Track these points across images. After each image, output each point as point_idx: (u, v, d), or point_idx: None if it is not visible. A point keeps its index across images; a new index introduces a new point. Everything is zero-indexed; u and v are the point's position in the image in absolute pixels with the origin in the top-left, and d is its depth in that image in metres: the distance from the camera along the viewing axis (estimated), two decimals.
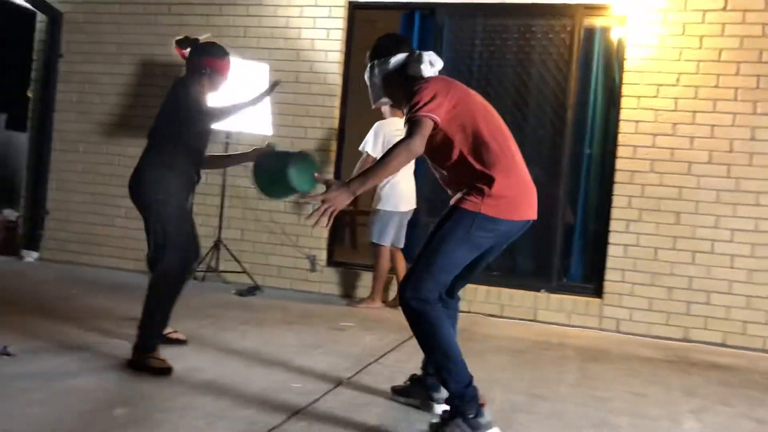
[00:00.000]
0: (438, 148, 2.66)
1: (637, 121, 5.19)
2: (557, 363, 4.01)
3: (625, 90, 5.23)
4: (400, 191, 5.24)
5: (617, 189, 5.23)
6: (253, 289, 5.53)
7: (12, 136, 12.91)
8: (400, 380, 3.27)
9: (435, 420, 2.62)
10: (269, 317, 4.67)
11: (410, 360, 3.73)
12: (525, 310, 5.39)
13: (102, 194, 6.38)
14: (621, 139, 5.23)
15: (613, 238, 5.23)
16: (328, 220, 2.45)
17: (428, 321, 2.56)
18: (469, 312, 5.44)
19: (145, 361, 3.13)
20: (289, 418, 2.63)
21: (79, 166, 6.48)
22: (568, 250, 5.60)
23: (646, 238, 5.16)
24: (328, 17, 5.86)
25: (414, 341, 2.69)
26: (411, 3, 5.91)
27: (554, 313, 5.33)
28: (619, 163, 5.23)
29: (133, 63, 6.35)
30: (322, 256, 5.89)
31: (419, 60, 2.75)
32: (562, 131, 5.47)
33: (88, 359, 3.25)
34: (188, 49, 3.57)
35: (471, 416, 2.47)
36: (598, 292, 5.32)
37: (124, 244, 6.32)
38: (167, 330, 3.50)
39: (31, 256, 6.40)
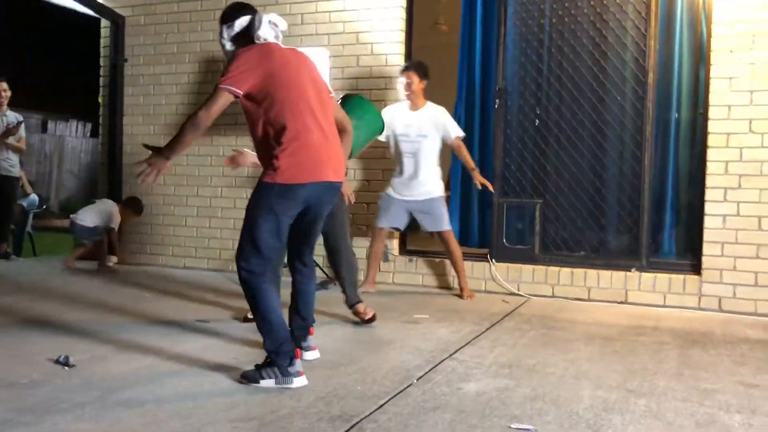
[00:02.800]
0: (249, 123, 2.88)
1: (731, 78, 4.68)
2: (653, 350, 3.63)
3: (715, 43, 4.72)
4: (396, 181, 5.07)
5: (711, 154, 4.74)
6: (326, 283, 5.38)
7: (97, 143, 13.42)
8: (477, 377, 3.02)
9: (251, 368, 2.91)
10: (340, 312, 4.49)
11: (489, 354, 3.46)
12: (614, 292, 4.99)
13: (173, 195, 6.40)
14: (713, 98, 4.73)
15: (709, 208, 4.76)
16: (154, 179, 2.85)
17: (252, 288, 2.86)
18: (553, 296, 5.10)
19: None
20: (350, 429, 2.41)
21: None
22: (660, 224, 5.14)
23: (747, 206, 4.66)
24: None
25: (492, 333, 3.12)
26: None
27: (647, 293, 4.91)
28: (712, 126, 4.73)
29: (194, 61, 6.32)
30: (394, 245, 5.67)
31: (258, 22, 2.87)
32: (644, 96, 5.00)
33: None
34: None
35: (283, 365, 2.83)
36: (695, 268, 4.86)
37: (195, 244, 6.32)
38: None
39: (111, 261, 6.49)
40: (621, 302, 4.95)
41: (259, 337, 2.96)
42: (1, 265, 6.28)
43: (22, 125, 6.67)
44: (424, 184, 5.01)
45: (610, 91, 5.14)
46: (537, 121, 5.33)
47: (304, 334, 3.28)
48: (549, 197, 5.29)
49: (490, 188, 5.20)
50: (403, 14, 5.62)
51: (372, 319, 4.10)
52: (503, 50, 5.38)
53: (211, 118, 2.79)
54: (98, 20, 6.73)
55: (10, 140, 6.50)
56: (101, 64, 6.71)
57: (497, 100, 5.39)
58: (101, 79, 6.73)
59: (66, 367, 3.04)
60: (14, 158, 6.62)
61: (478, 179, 5.12)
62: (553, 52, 5.30)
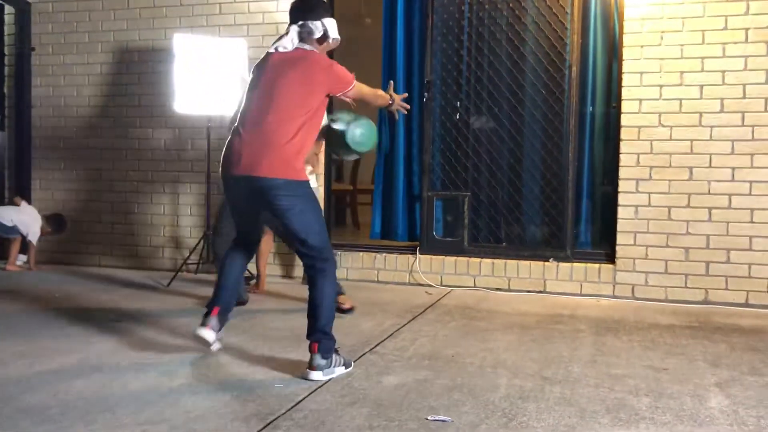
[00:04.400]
0: (306, 121, 3.05)
1: (642, 73, 4.84)
2: (569, 338, 3.72)
3: (627, 40, 4.87)
4: None
5: (624, 147, 4.89)
6: (246, 279, 5.27)
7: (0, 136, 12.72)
8: (397, 370, 3.01)
9: None
10: (265, 306, 4.41)
11: (410, 346, 3.47)
12: (534, 282, 5.10)
13: (88, 191, 6.14)
14: (625, 93, 4.88)
15: (622, 199, 4.91)
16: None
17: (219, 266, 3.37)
18: (474, 287, 5.16)
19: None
20: (264, 428, 2.36)
21: (61, 163, 6.22)
22: (579, 215, 5.29)
23: (657, 197, 4.84)
24: None
25: (414, 325, 3.41)
26: None
27: (565, 283, 5.03)
28: (625, 119, 4.88)
29: (107, 51, 6.06)
30: None
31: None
32: (567, 89, 5.12)
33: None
34: None
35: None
36: (610, 257, 5.01)
37: (113, 241, 6.09)
38: None
39: (19, 260, 6.16)
40: (540, 292, 5.06)
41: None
42: None
43: None
44: None
45: (533, 84, 5.23)
46: (458, 114, 5.38)
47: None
48: (477, 190, 5.35)
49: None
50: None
51: (351, 309, 4.22)
52: (431, 42, 5.39)
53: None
54: (1, 6, 6.36)
55: None
56: (5, 53, 6.35)
57: (426, 93, 5.40)
58: (6, 69, 6.37)
59: None
60: None
61: None
62: (475, 43, 5.35)
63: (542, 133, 5.25)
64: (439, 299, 4.79)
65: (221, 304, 3.21)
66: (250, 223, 3.29)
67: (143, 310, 4.29)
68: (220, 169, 3.11)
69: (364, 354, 3.31)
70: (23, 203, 5.90)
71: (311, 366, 2.89)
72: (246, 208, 3.18)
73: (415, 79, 5.75)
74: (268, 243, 4.98)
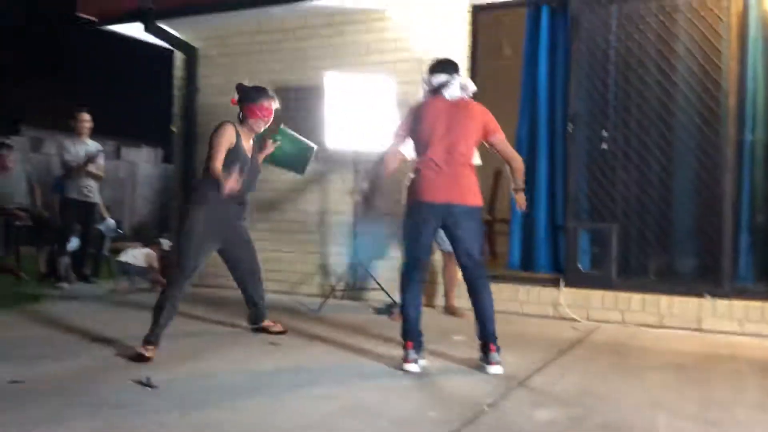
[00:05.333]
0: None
1: None
2: (731, 380, 3.52)
3: None
4: None
5: None
6: (391, 307, 5.42)
7: (168, 169, 13.94)
8: (548, 405, 3.00)
9: None
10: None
11: (560, 382, 3.43)
12: (688, 319, 4.86)
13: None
14: None
15: None
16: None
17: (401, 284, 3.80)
18: (623, 323, 5.00)
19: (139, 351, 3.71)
20: None
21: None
22: (738, 249, 4.99)
23: None
24: (451, 23, 5.68)
25: (562, 360, 3.46)
26: None
27: (723, 320, 4.76)
28: None
29: None
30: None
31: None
32: (719, 118, 4.89)
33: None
34: (238, 98, 4.17)
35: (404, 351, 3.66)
36: None
37: (264, 267, 6.42)
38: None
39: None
40: (695, 329, 4.81)
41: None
42: (84, 288, 6.57)
43: (101, 154, 6.99)
44: None
45: (685, 112, 5.05)
46: (605, 144, 5.28)
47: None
48: (625, 221, 5.21)
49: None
50: (468, 40, 5.68)
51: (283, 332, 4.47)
52: (576, 73, 5.35)
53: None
54: (172, 52, 7.02)
55: (90, 168, 6.81)
56: (175, 93, 7.00)
57: (570, 124, 5.35)
58: (174, 108, 7.01)
59: (149, 388, 3.17)
60: (93, 185, 6.95)
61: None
62: (622, 73, 5.25)
63: (696, 163, 5.04)
64: (587, 335, 4.68)
65: (413, 338, 3.64)
66: (426, 246, 3.75)
67: (301, 330, 4.53)
68: (414, 197, 3.63)
69: (513, 388, 3.31)
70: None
71: (494, 361, 3.55)
72: (431, 231, 3.68)
73: (558, 110, 5.72)
74: (454, 269, 5.14)
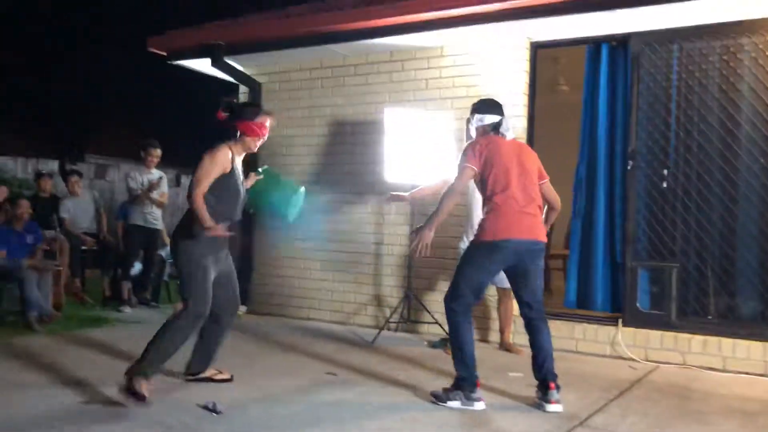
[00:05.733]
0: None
1: None
2: None
3: None
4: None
5: None
6: (445, 341, 5.43)
7: None
8: None
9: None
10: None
11: (621, 423, 3.39)
12: (753, 363, 4.73)
13: (300, 248, 6.70)
14: None
15: None
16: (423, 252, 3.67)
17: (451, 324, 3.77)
18: (684, 365, 4.89)
19: (133, 383, 3.30)
20: None
21: (279, 222, 6.88)
22: None
23: None
24: (510, 60, 5.75)
25: (622, 401, 3.51)
26: (599, 36, 5.58)
27: None
28: None
29: (324, 125, 6.68)
30: (513, 304, 5.65)
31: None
32: None
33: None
34: (227, 113, 3.74)
35: (468, 391, 3.61)
36: None
37: (319, 296, 6.57)
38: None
39: (241, 310, 6.84)
40: (761, 375, 4.68)
41: None
42: (145, 312, 6.78)
43: (164, 181, 7.23)
44: None
45: (749, 152, 4.97)
46: (665, 182, 5.23)
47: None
48: (685, 260, 5.13)
49: None
50: (526, 77, 5.73)
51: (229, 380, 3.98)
52: (636, 110, 5.34)
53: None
54: (231, 83, 7.24)
55: (153, 195, 7.05)
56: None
57: (630, 162, 5.33)
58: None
59: (214, 413, 3.26)
60: (157, 212, 7.18)
61: None
62: (684, 111, 5.21)
63: (760, 203, 4.95)
64: (646, 375, 4.61)
65: (475, 375, 3.70)
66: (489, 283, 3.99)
67: (357, 361, 4.58)
68: (495, 234, 3.66)
69: (574, 427, 3.30)
70: None
71: (553, 400, 3.58)
72: (500, 269, 3.82)
73: (617, 147, 5.70)
74: (511, 305, 5.20)
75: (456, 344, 3.69)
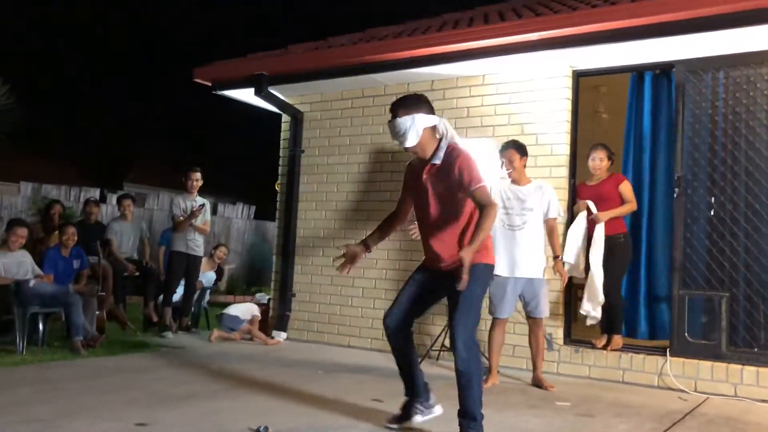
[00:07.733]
0: (455, 211, 3.71)
1: None
2: None
3: None
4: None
5: None
6: (487, 369, 5.37)
7: (259, 225, 14.43)
8: None
9: None
10: (511, 400, 4.48)
11: None
12: None
13: (340, 276, 6.72)
14: None
15: None
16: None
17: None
18: (735, 396, 4.77)
19: None
20: None
21: (320, 250, 6.94)
22: None
23: None
24: (552, 88, 5.76)
25: None
26: (641, 64, 5.58)
27: None
28: None
29: (365, 153, 6.75)
30: (558, 333, 5.60)
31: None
32: None
33: None
34: None
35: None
36: None
37: (360, 324, 6.57)
38: None
39: (280, 336, 6.88)
40: None
41: None
42: (185, 338, 6.84)
43: (207, 208, 7.33)
44: (531, 261, 4.95)
45: None
46: (713, 209, 5.16)
47: None
48: (735, 289, 5.03)
49: (564, 280, 5.22)
50: (569, 105, 5.74)
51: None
52: (682, 138, 5.30)
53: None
54: (279, 115, 7.37)
55: (195, 222, 7.14)
56: (281, 154, 7.32)
57: (677, 189, 5.27)
58: (280, 168, 7.32)
59: None
60: (199, 239, 7.27)
61: (558, 268, 5.12)
62: (731, 137, 5.16)
63: None
64: (697, 406, 4.50)
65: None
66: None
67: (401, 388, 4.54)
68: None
69: None
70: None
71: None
72: None
73: (660, 174, 5.66)
74: (503, 335, 5.15)
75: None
